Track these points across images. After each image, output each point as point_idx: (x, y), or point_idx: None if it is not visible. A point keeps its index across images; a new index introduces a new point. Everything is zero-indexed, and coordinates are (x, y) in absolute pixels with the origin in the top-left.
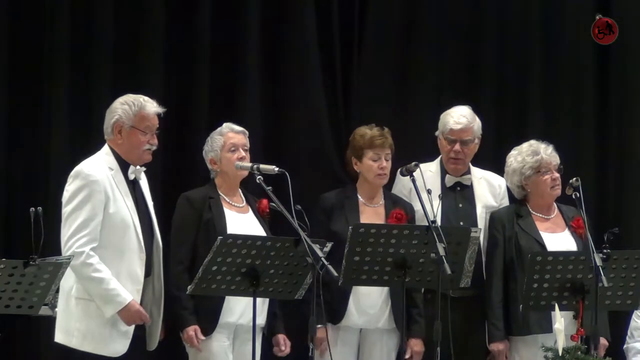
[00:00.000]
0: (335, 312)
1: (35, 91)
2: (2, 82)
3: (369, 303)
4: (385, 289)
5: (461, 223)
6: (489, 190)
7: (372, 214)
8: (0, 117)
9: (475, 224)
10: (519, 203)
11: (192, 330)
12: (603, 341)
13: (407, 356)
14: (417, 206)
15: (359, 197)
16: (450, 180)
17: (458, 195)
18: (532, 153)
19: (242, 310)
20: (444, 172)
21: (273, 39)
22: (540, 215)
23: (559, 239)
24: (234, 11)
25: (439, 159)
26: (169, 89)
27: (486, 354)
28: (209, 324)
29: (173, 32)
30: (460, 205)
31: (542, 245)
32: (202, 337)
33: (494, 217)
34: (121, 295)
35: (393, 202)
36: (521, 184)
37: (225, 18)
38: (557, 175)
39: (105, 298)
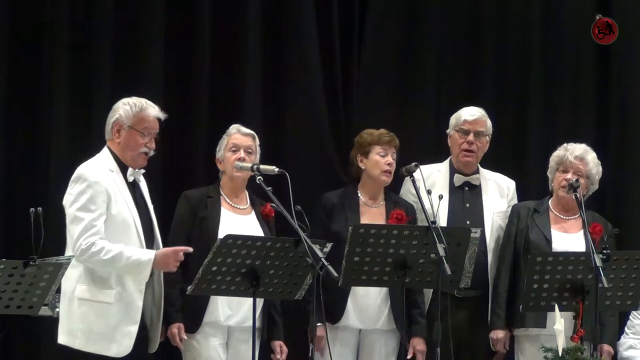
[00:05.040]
0: (333, 312)
1: (35, 91)
2: (2, 82)
3: (367, 303)
4: (384, 289)
5: (467, 222)
6: (497, 191)
7: (372, 214)
8: (0, 117)
9: (482, 224)
10: (545, 199)
11: (176, 328)
12: (608, 348)
13: (409, 356)
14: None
15: (360, 197)
16: (458, 179)
17: (466, 194)
18: (562, 149)
19: (230, 312)
20: (453, 171)
21: (273, 38)
22: (558, 214)
23: (568, 240)
24: (234, 11)
25: (448, 159)
26: (169, 89)
27: (486, 355)
28: (194, 322)
29: (173, 31)
30: (467, 205)
31: (550, 243)
32: (185, 337)
33: (514, 209)
34: (143, 256)
35: (394, 203)
36: (550, 178)
37: (225, 18)
38: (569, 177)
39: (133, 269)
